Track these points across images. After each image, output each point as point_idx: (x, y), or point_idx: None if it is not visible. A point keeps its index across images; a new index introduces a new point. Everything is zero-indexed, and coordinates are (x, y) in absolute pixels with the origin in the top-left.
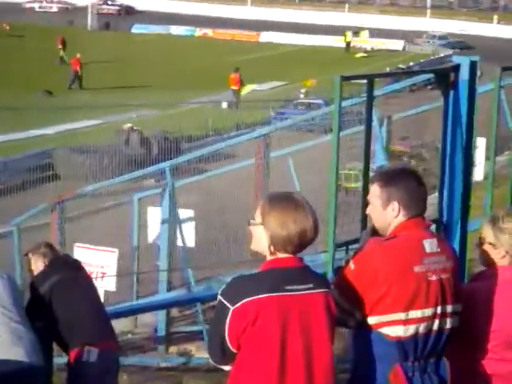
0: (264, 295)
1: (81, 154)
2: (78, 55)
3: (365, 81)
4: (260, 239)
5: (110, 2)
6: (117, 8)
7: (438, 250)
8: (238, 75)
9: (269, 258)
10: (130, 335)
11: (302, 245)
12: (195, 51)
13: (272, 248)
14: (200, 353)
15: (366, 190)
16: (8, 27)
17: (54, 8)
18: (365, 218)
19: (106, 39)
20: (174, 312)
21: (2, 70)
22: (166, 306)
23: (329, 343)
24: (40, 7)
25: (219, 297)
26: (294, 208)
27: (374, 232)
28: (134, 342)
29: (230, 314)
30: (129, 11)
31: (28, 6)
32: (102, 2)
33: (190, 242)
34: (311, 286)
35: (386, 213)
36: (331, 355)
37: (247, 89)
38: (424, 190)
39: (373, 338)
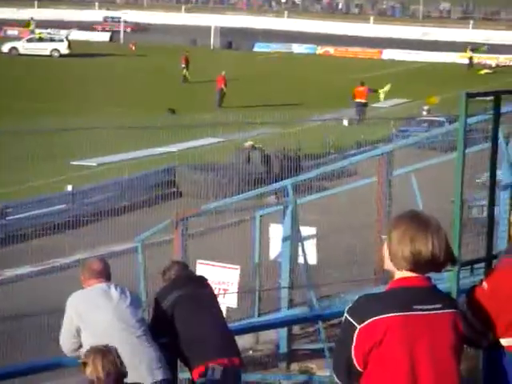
0: (392, 314)
1: (203, 172)
2: (223, 73)
3: (491, 98)
4: (388, 258)
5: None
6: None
7: None
8: (366, 88)
9: (396, 276)
10: (251, 352)
11: (429, 265)
12: (317, 69)
13: (397, 266)
14: (321, 371)
15: (491, 208)
16: (134, 47)
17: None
18: (490, 237)
19: (229, 58)
20: (296, 329)
21: (128, 89)
22: (287, 323)
23: (456, 364)
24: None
25: (346, 315)
26: (421, 228)
27: None
28: (255, 359)
29: (356, 333)
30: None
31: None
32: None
33: (312, 259)
34: (439, 306)
35: None
36: (459, 376)
37: (385, 89)
38: None
39: (506, 360)
